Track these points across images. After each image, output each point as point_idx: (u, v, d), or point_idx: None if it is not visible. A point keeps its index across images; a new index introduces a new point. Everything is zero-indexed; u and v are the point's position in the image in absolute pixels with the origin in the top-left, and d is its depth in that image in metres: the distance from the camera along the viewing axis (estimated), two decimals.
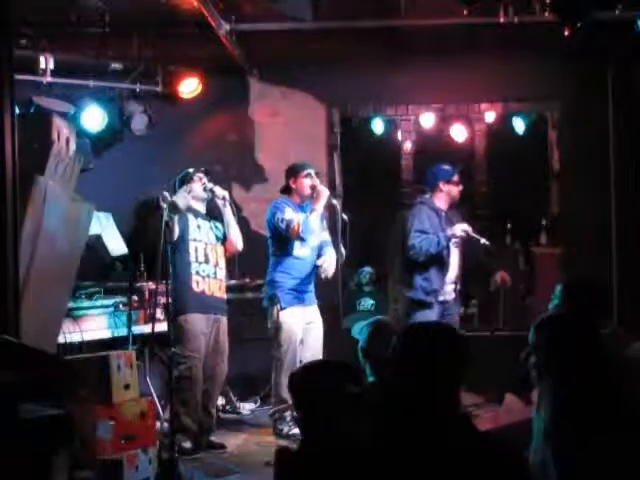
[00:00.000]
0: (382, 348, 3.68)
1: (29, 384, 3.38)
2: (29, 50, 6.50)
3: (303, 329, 6.04)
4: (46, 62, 6.67)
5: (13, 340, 3.73)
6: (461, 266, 6.33)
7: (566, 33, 5.47)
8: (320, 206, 5.95)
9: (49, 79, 6.71)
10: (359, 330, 4.12)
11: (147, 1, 6.21)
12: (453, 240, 6.19)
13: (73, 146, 5.15)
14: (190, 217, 5.82)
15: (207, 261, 5.87)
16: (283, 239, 6.00)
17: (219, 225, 6.00)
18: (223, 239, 6.00)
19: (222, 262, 5.99)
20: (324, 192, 5.95)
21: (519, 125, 8.06)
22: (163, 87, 7.48)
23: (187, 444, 5.64)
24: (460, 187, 6.34)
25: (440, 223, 6.25)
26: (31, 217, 4.68)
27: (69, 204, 5.13)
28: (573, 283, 3.68)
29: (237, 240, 6.01)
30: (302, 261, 6.04)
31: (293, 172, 6.12)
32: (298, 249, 6.01)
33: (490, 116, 8.03)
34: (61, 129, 4.98)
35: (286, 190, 6.16)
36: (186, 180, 5.86)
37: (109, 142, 7.59)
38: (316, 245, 6.10)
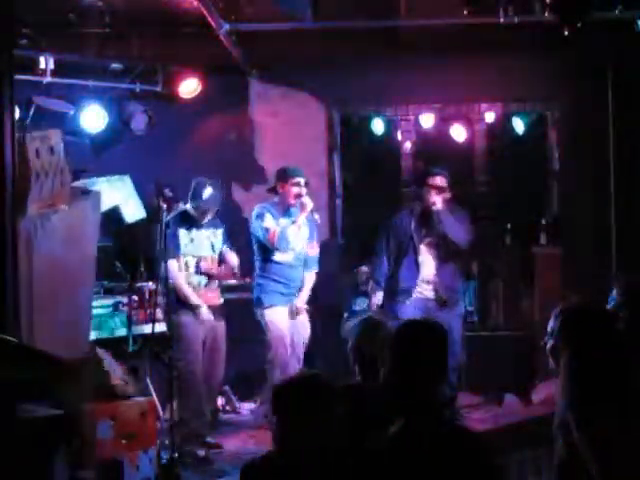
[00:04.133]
0: (372, 346, 3.65)
1: (29, 384, 3.39)
2: (29, 50, 6.49)
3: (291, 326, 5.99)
4: (46, 62, 6.66)
5: (13, 340, 3.73)
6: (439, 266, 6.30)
7: (566, 33, 5.47)
8: (302, 219, 5.94)
9: (49, 79, 6.70)
10: (349, 330, 4.07)
11: (147, 1, 6.21)
12: (425, 241, 6.22)
13: (60, 151, 5.00)
14: (182, 231, 5.78)
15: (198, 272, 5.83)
16: (263, 245, 5.98)
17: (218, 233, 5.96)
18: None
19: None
20: (308, 206, 5.92)
21: (519, 125, 8.04)
22: (163, 87, 7.45)
23: (202, 452, 5.57)
24: (433, 191, 6.20)
25: (410, 222, 6.26)
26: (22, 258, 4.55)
27: (67, 215, 5.03)
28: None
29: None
30: (284, 265, 5.99)
31: (282, 176, 6.03)
32: (279, 255, 5.97)
33: (490, 116, 8.01)
34: (39, 146, 4.82)
35: (274, 190, 6.10)
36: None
37: (109, 142, 7.58)
38: (301, 250, 6.04)
